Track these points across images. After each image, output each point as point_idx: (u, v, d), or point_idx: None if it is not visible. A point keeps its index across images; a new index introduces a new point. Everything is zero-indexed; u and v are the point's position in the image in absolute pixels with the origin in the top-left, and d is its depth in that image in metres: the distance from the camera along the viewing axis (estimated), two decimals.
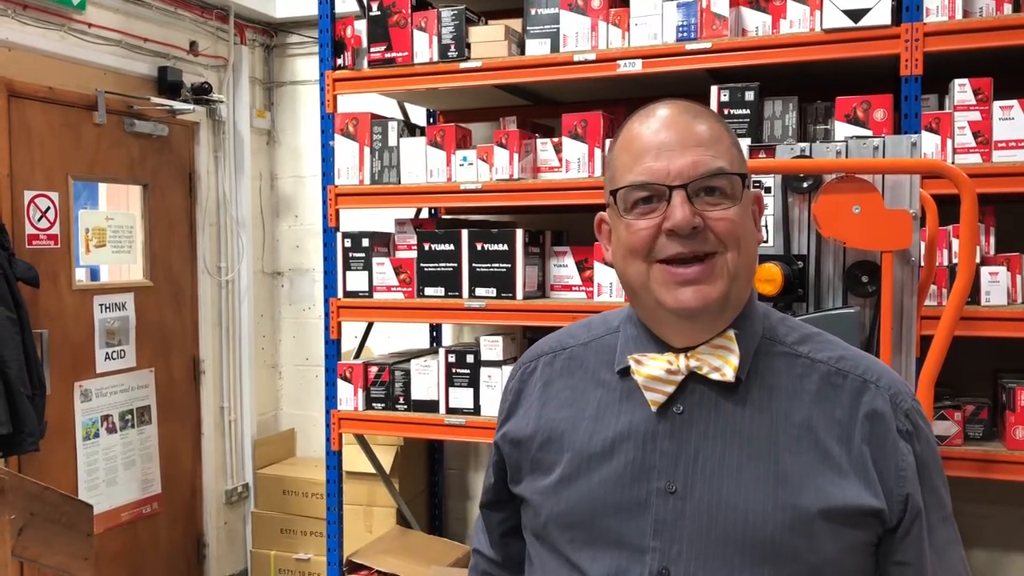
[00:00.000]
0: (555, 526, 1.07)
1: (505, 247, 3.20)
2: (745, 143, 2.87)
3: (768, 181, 2.17)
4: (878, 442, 1.01)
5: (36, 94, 3.46)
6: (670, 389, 1.03)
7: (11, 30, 3.34)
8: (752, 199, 1.07)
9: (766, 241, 2.13)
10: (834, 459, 1.00)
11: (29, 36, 3.42)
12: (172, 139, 4.15)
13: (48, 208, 3.51)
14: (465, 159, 3.27)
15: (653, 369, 1.04)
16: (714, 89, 2.94)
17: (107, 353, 3.79)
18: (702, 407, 1.03)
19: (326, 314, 3.50)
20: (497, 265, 3.20)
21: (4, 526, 1.56)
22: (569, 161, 3.16)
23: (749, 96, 2.91)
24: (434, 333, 4.24)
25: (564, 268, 3.31)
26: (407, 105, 4.04)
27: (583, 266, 3.28)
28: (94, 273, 4.34)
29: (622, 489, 1.03)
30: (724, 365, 1.02)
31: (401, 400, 3.41)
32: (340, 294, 3.48)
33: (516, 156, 3.17)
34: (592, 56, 3.05)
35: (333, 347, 3.50)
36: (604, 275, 3.18)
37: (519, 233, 3.20)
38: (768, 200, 2.15)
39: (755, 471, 1.00)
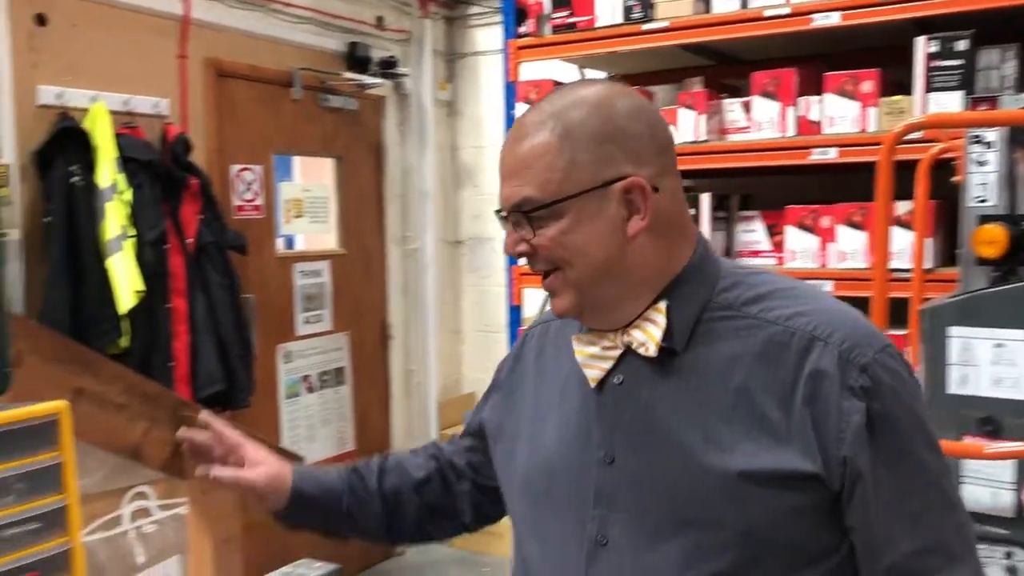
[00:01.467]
0: (516, 496, 1.15)
1: (691, 212, 3.12)
2: (958, 96, 2.66)
3: (990, 136, 2.00)
4: (820, 403, 0.97)
5: (240, 72, 3.69)
6: (607, 365, 1.06)
7: (219, 13, 3.57)
8: (616, 195, 1.01)
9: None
10: (770, 423, 0.98)
11: (234, 17, 3.64)
12: (361, 113, 4.32)
13: (253, 181, 3.75)
14: None
15: (589, 347, 1.07)
16: (920, 40, 2.73)
17: (305, 317, 4.02)
18: (639, 379, 1.04)
19: (508, 281, 3.55)
20: None
21: None
22: (760, 121, 3.04)
23: (961, 45, 2.68)
24: None
25: (752, 233, 3.19)
26: (586, 71, 4.01)
27: (773, 231, 3.15)
28: (288, 242, 4.61)
29: (569, 460, 1.07)
30: (648, 340, 1.03)
31: None
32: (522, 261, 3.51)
33: (703, 117, 3.08)
34: (785, 10, 2.90)
35: (515, 313, 3.56)
36: (796, 240, 3.05)
37: (705, 197, 3.12)
38: (990, 156, 1.98)
39: (684, 439, 1.00)
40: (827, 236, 2.97)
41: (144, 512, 2.56)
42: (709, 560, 0.97)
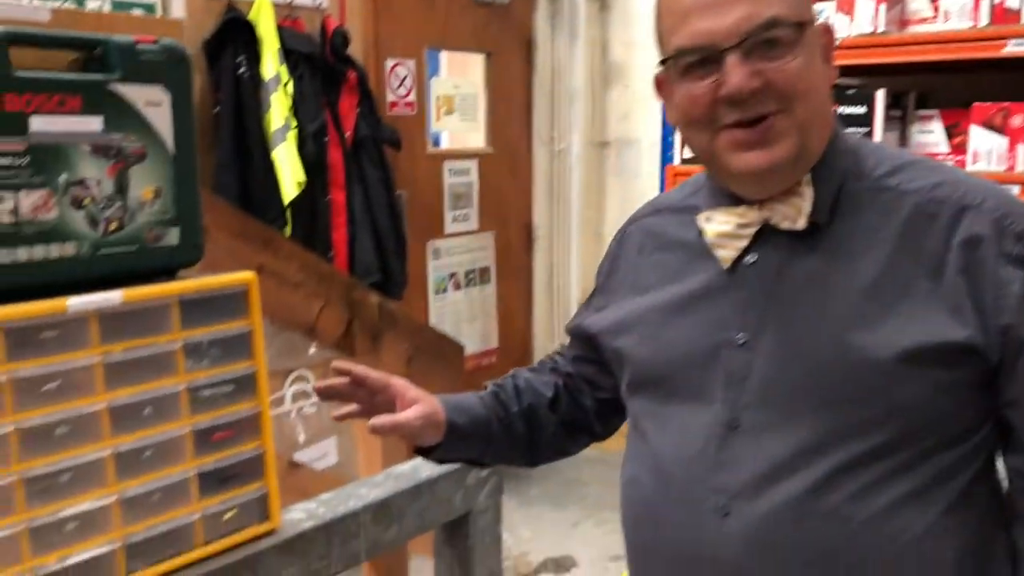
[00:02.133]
0: (637, 390, 1.11)
1: (863, 109, 2.92)
2: None
3: None
4: (975, 270, 0.92)
5: None
6: (742, 244, 1.01)
7: None
8: (819, 34, 0.98)
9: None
10: (921, 296, 0.93)
11: None
12: (512, 7, 4.23)
13: (405, 76, 3.76)
14: (821, 12, 2.99)
15: (722, 225, 1.02)
16: None
17: (454, 216, 4.07)
18: (776, 257, 1.00)
19: (661, 181, 3.45)
20: (852, 129, 2.94)
21: (401, 354, 1.75)
22: (948, 11, 2.78)
23: None
24: None
25: (930, 134, 2.97)
26: None
27: (953, 132, 2.91)
28: (435, 140, 4.63)
29: (694, 344, 1.03)
30: (795, 214, 0.98)
31: None
32: (677, 161, 3.41)
33: (883, 6, 2.84)
34: None
35: None
36: (981, 141, 2.81)
37: (879, 94, 2.90)
38: None
39: (828, 317, 0.95)
40: (1018, 136, 2.73)
41: (304, 394, 2.69)
42: (847, 441, 0.94)
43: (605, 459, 4.22)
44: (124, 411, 1.09)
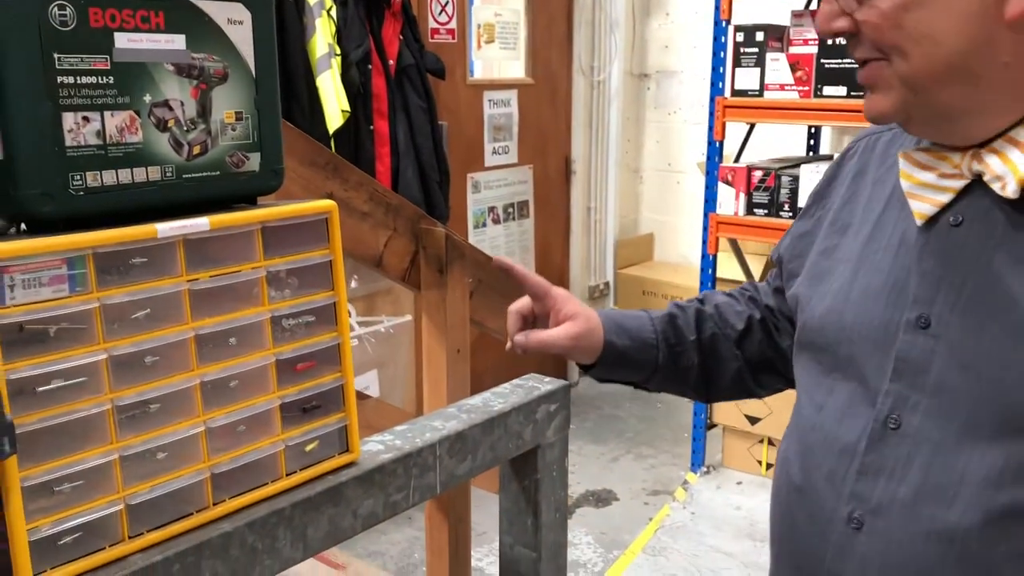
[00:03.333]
0: (805, 345, 0.97)
1: None
2: None
3: None
4: None
5: None
6: (943, 198, 0.82)
7: None
8: None
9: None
10: None
11: None
12: None
13: (446, 3, 3.66)
14: None
15: (921, 171, 0.83)
16: None
17: (493, 148, 4.00)
18: (983, 222, 0.80)
19: (711, 114, 3.37)
20: None
21: (465, 288, 1.72)
22: None
23: None
24: (811, 141, 3.96)
25: None
26: None
27: None
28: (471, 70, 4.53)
29: (869, 315, 0.86)
30: (1009, 174, 0.77)
31: (786, 207, 3.25)
32: (727, 93, 3.32)
33: None
34: None
35: (715, 149, 3.39)
36: None
37: None
38: None
39: None
40: None
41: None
42: None
43: (642, 396, 4.22)
44: (210, 341, 1.07)
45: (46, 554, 0.93)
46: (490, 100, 3.91)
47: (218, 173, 1.10)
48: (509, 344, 1.05)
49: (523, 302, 1.06)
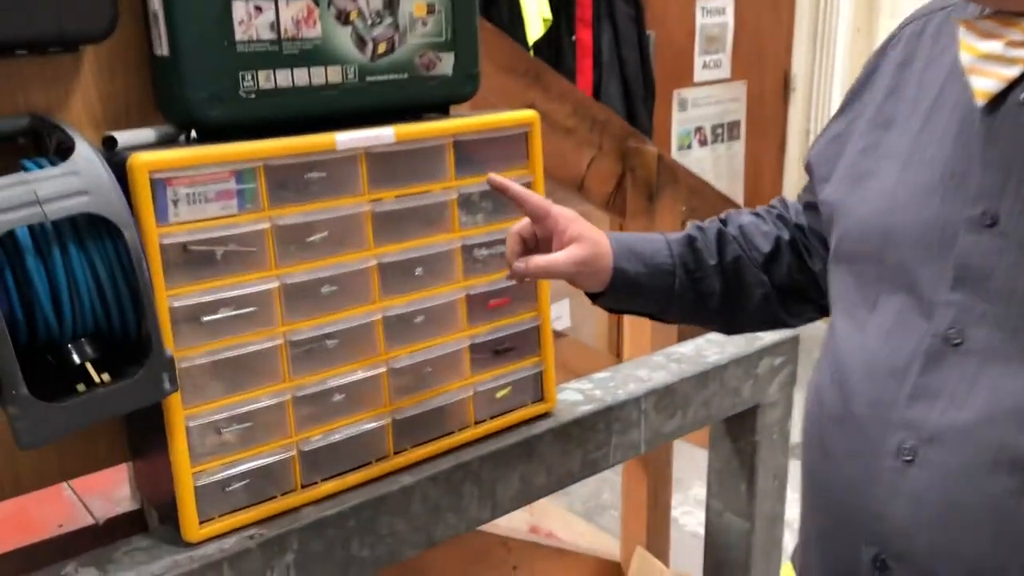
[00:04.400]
0: (843, 257, 0.82)
1: None
2: None
3: None
4: None
5: None
6: (1011, 72, 0.69)
7: None
8: None
9: None
10: None
11: None
12: None
13: None
14: None
15: (985, 41, 0.70)
16: None
17: (704, 61, 3.68)
18: None
19: None
20: None
21: (677, 217, 1.52)
22: None
23: None
24: None
25: None
26: None
27: None
28: None
29: (922, 215, 0.74)
30: None
31: None
32: None
33: None
34: None
35: None
36: None
37: None
38: None
39: None
40: None
41: None
42: None
43: None
44: (394, 270, 0.94)
45: (212, 500, 0.84)
46: (703, 8, 3.56)
47: (406, 76, 0.95)
48: (508, 273, 0.89)
49: (523, 224, 0.91)
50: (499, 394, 1.04)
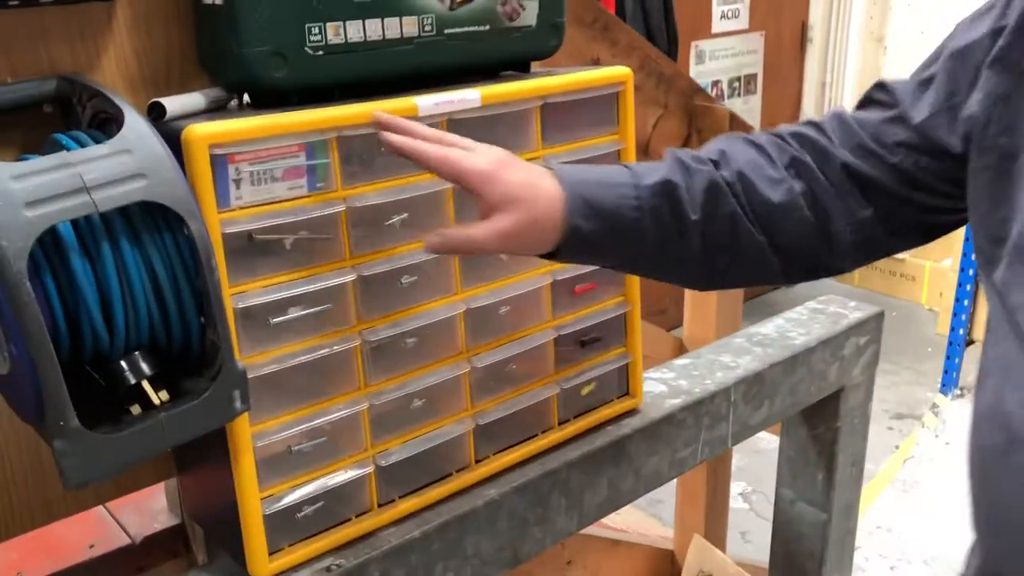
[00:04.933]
0: (1008, 249, 0.65)
1: None
2: None
3: None
4: None
5: None
6: None
7: None
8: None
9: None
10: None
11: None
12: None
13: None
14: None
15: None
16: None
17: (723, 12, 3.52)
18: None
19: None
20: None
21: None
22: None
23: None
24: None
25: None
26: None
27: None
28: None
29: None
30: None
31: None
32: None
33: None
34: None
35: None
36: None
37: None
38: None
39: None
40: None
41: None
42: None
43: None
44: (476, 255, 0.81)
45: (282, 528, 0.72)
46: None
47: (487, 28, 0.82)
48: (433, 240, 0.70)
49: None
50: (584, 390, 0.93)
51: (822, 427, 1.26)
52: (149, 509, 0.93)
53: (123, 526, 0.91)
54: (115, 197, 0.54)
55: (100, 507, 0.95)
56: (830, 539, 1.31)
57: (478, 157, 0.69)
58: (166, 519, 0.92)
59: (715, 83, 3.61)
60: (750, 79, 3.74)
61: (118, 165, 0.54)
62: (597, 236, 0.72)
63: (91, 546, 0.88)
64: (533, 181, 0.70)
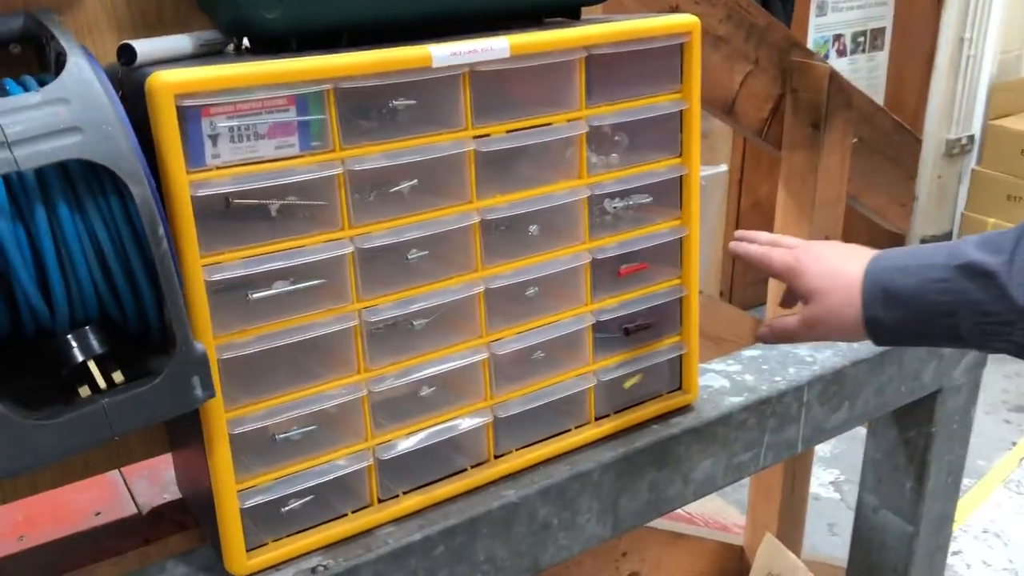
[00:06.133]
0: None
1: None
2: None
3: None
4: None
5: None
6: None
7: None
8: None
9: None
10: None
11: None
12: None
13: None
14: None
15: None
16: None
17: None
18: None
19: None
20: None
21: (847, 151, 1.22)
22: None
23: None
24: None
25: None
26: None
27: None
28: None
29: None
30: None
31: None
32: None
33: None
34: None
35: None
36: None
37: None
38: None
39: None
40: None
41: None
42: None
43: None
44: (501, 227, 0.72)
45: (265, 523, 0.66)
46: None
47: None
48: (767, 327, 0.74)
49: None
50: (628, 383, 0.83)
51: (914, 431, 1.12)
52: (161, 478, 0.89)
53: (133, 494, 0.87)
54: (41, 153, 0.47)
55: (115, 471, 0.92)
56: (916, 554, 1.17)
57: (785, 251, 0.72)
58: (176, 490, 0.88)
59: (837, 37, 3.34)
60: (877, 33, 3.45)
61: (49, 116, 0.47)
62: (901, 324, 0.66)
63: (97, 513, 0.85)
64: (834, 271, 0.69)
